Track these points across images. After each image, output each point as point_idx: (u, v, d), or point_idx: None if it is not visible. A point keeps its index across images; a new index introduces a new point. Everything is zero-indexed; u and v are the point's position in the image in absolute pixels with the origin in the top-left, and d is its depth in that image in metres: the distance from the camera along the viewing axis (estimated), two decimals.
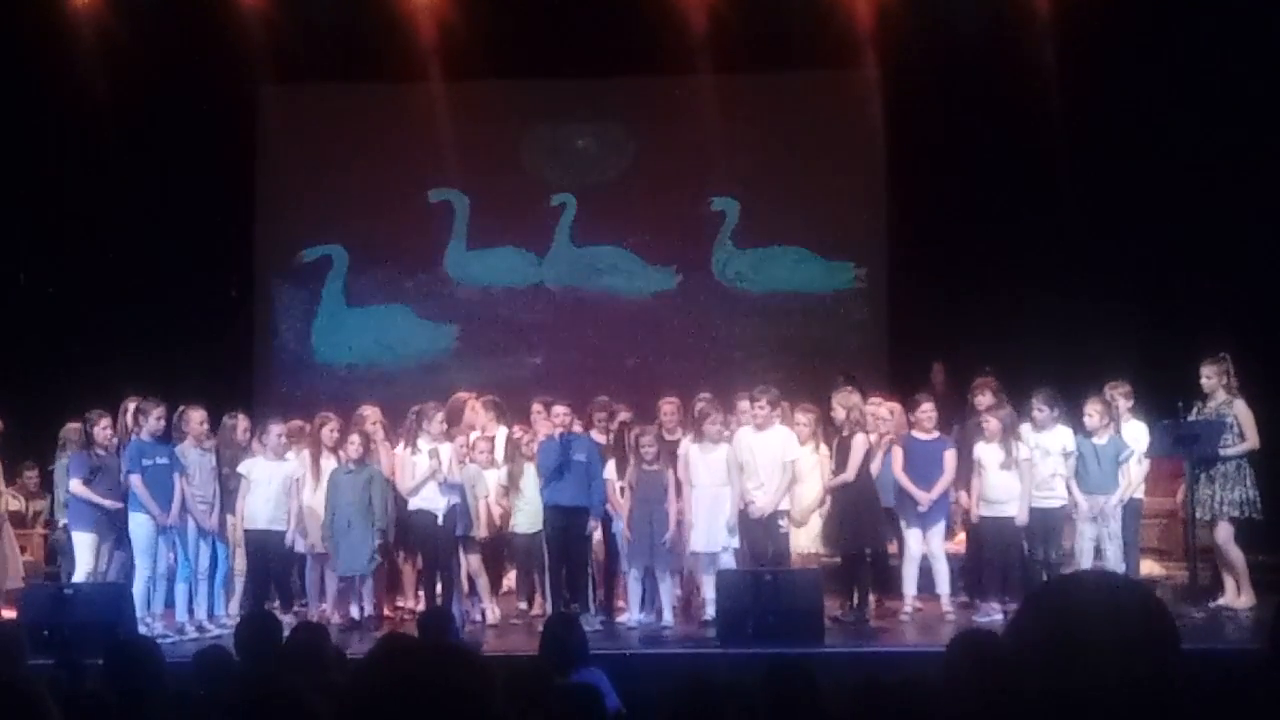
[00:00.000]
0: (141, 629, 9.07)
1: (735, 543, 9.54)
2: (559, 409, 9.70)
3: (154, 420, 9.54)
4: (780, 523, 9.51)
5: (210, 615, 9.71)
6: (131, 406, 9.78)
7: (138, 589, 9.38)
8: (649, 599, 9.69)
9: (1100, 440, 9.65)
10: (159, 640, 8.02)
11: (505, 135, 14.12)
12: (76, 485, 9.50)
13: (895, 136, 13.43)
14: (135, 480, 9.37)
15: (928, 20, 12.60)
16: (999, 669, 1.70)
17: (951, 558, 9.93)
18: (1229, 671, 3.52)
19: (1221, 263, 11.65)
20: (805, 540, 9.81)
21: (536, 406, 10.27)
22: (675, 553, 9.62)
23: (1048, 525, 9.56)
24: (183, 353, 12.15)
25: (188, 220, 13.07)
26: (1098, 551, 9.54)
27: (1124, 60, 12.05)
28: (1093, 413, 9.65)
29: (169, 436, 9.70)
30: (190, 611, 9.66)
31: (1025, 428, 9.75)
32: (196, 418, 9.78)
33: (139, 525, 9.41)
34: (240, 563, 10.03)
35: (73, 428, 9.97)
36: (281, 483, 9.83)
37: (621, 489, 9.64)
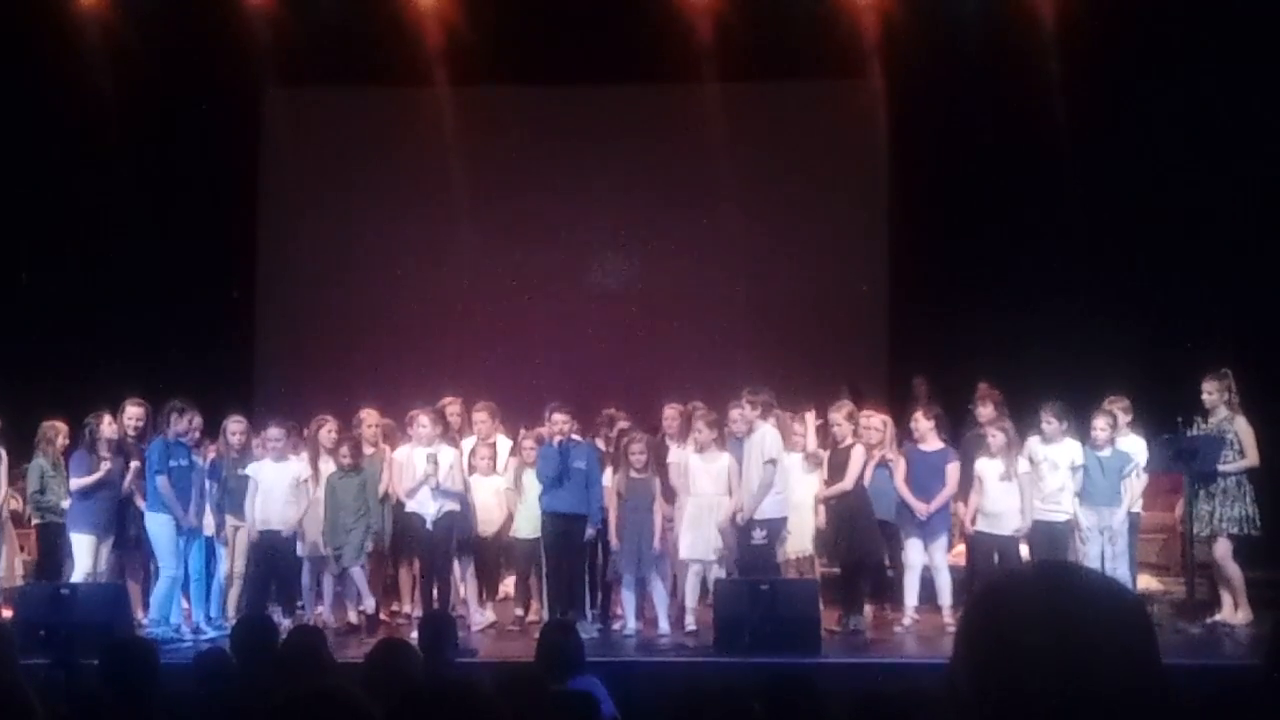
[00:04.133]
0: (157, 631, 9.07)
1: (722, 549, 9.55)
2: (559, 416, 9.70)
3: (186, 422, 9.55)
4: (754, 533, 9.43)
5: (207, 618, 9.71)
6: (131, 410, 9.80)
7: (161, 589, 9.37)
8: (642, 607, 9.70)
9: (1104, 453, 9.63)
10: (161, 642, 8.04)
11: (509, 140, 14.13)
12: (78, 484, 9.50)
13: (898, 146, 13.44)
14: (162, 481, 9.34)
15: (932, 31, 12.61)
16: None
17: (953, 570, 9.91)
18: (1226, 687, 3.52)
19: (1224, 277, 11.65)
20: (795, 545, 9.78)
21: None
22: (668, 560, 9.64)
23: (1053, 539, 9.51)
24: (183, 354, 12.15)
25: (190, 221, 13.09)
26: (1104, 569, 9.34)
27: (1128, 73, 12.07)
28: (1102, 426, 9.62)
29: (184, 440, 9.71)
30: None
31: (1034, 440, 9.73)
32: (193, 422, 9.79)
33: (160, 526, 9.39)
34: (240, 566, 10.00)
35: (48, 425, 9.95)
36: (290, 484, 9.83)
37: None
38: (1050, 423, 9.65)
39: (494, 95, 14.11)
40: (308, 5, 13.02)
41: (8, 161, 12.78)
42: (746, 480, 9.48)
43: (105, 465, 9.52)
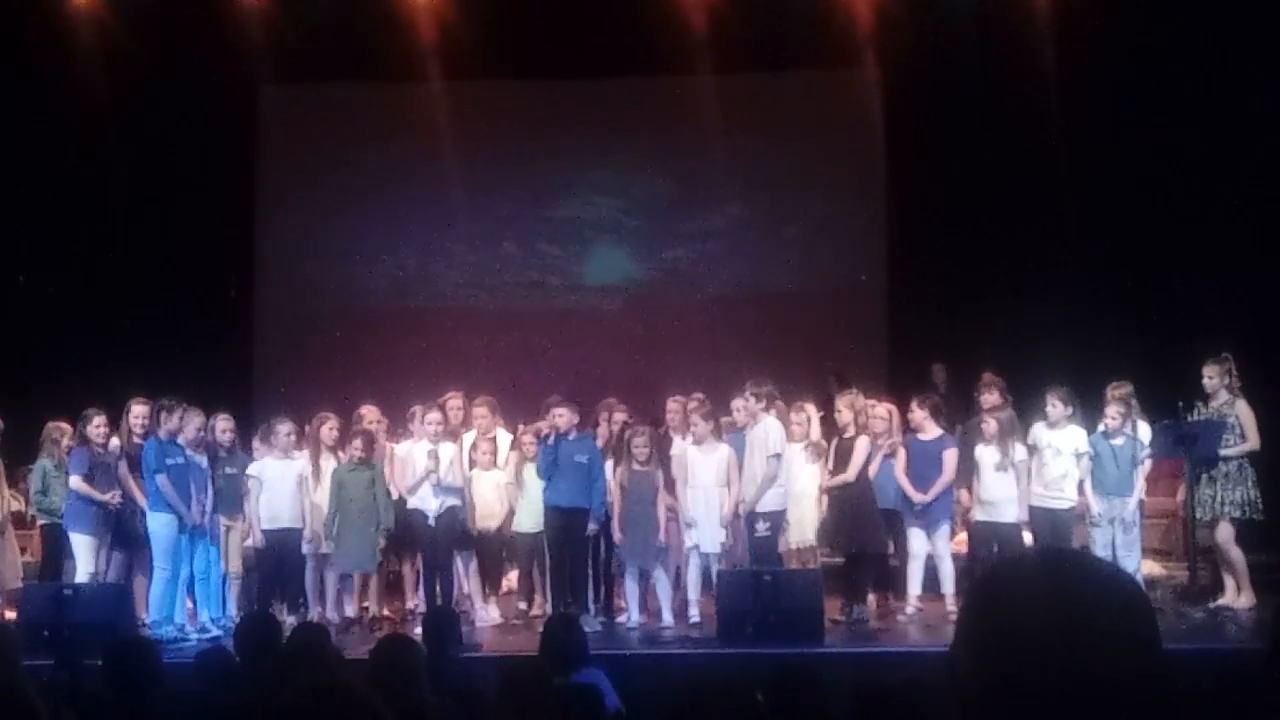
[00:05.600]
0: (160, 631, 9.05)
1: (727, 541, 9.56)
2: (560, 410, 9.69)
3: (175, 420, 9.53)
4: (757, 525, 9.42)
5: (210, 618, 9.69)
6: (137, 409, 9.79)
7: (156, 589, 9.33)
8: (645, 599, 9.71)
9: (1117, 441, 9.59)
10: (165, 642, 8.05)
11: (505, 135, 14.12)
12: (77, 482, 9.48)
13: (895, 136, 13.43)
14: (162, 480, 9.30)
15: (927, 20, 12.59)
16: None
17: (956, 558, 9.91)
18: (1229, 672, 3.52)
19: (1224, 262, 11.63)
20: (797, 535, 9.78)
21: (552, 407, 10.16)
22: (671, 552, 9.64)
23: (1056, 526, 9.50)
24: (182, 353, 12.14)
25: (187, 220, 13.08)
26: (1114, 557, 9.15)
27: (1124, 60, 12.05)
28: (1115, 414, 9.59)
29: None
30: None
31: (1039, 426, 9.71)
32: (195, 423, 9.76)
33: (161, 525, 9.35)
34: (235, 565, 9.99)
35: (53, 426, 9.95)
36: (295, 481, 9.83)
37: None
38: (1055, 406, 9.63)
39: (490, 90, 14.10)
40: (302, 2, 13.00)
41: (4, 162, 12.76)
42: (749, 473, 9.48)
43: (116, 496, 9.51)
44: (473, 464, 10.14)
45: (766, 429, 9.53)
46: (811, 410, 10.05)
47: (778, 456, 9.45)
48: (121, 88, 12.89)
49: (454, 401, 10.43)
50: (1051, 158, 12.18)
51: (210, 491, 9.74)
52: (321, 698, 2.21)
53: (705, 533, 9.46)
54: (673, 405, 10.21)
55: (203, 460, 9.78)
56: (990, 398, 9.87)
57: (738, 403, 9.77)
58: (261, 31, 12.95)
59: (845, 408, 9.74)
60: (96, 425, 9.59)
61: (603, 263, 14.39)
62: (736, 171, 13.98)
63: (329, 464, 9.96)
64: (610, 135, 14.23)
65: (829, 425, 10.05)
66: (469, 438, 10.34)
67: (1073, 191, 12.25)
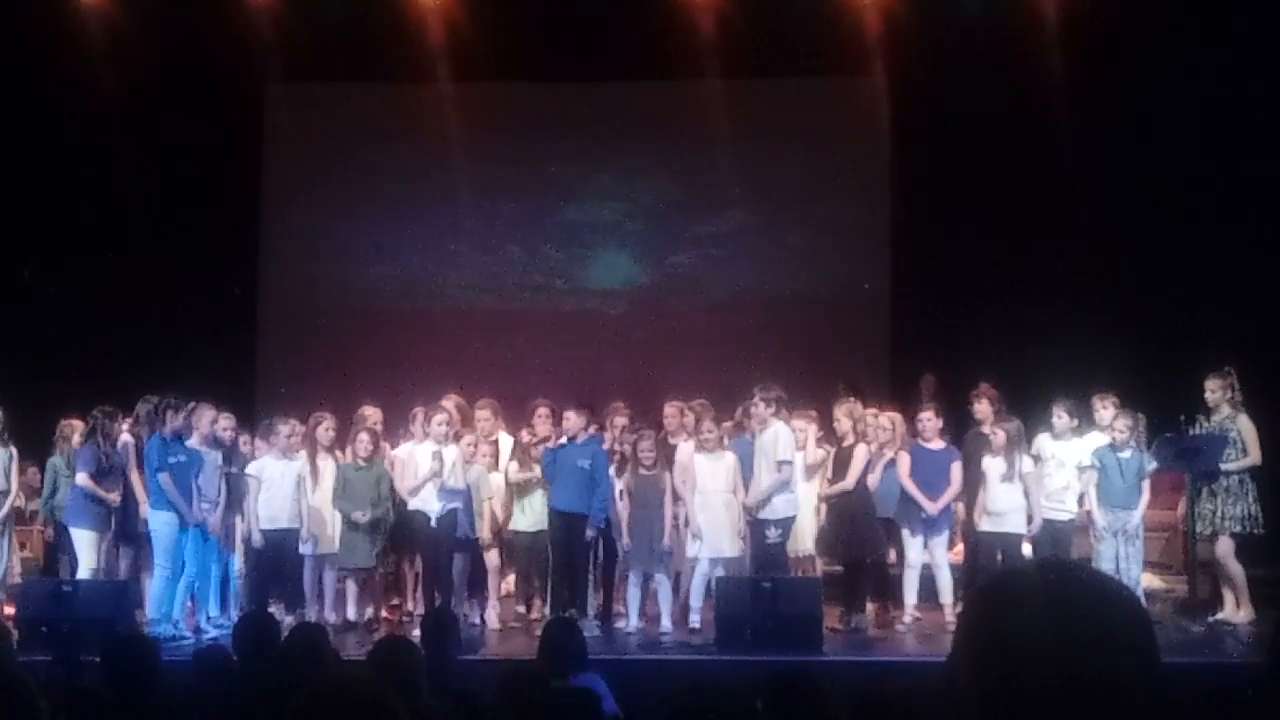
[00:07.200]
0: (159, 630, 9.03)
1: (735, 551, 9.54)
2: (568, 413, 9.68)
3: (181, 418, 9.53)
4: (768, 531, 9.40)
5: (206, 617, 9.70)
6: (141, 410, 9.80)
7: (157, 587, 9.30)
8: (644, 605, 9.70)
9: (1125, 455, 9.57)
10: (163, 641, 8.04)
11: (511, 137, 14.13)
12: (84, 479, 9.48)
13: (900, 143, 13.43)
14: (164, 478, 9.27)
15: (934, 28, 12.61)
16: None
17: (953, 568, 9.89)
18: (1228, 685, 3.51)
19: (1227, 274, 11.63)
20: (795, 544, 9.76)
21: (543, 410, 10.17)
22: (673, 557, 9.64)
23: (1056, 538, 9.49)
24: (186, 351, 12.15)
25: (193, 218, 13.09)
26: (1118, 570, 9.16)
27: (1130, 70, 12.05)
28: (1122, 427, 9.57)
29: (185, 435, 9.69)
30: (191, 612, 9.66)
31: (1043, 437, 9.71)
32: (208, 417, 9.76)
33: (163, 524, 9.31)
34: (240, 564, 9.99)
35: (65, 424, 9.95)
36: (294, 481, 9.83)
37: (621, 493, 9.65)
38: (1061, 418, 9.63)
39: (497, 92, 14.11)
40: (310, 2, 13.02)
41: (12, 159, 12.78)
42: (757, 477, 9.46)
43: (115, 497, 9.52)
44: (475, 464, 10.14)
45: (776, 434, 9.49)
46: (810, 429, 9.95)
47: (788, 463, 9.41)
48: (128, 85, 12.91)
49: (456, 402, 10.44)
50: (1057, 167, 12.18)
51: (224, 489, 9.74)
52: (338, 696, 2.21)
53: (712, 540, 9.43)
54: (669, 410, 10.21)
55: (217, 457, 9.77)
56: (981, 407, 9.85)
57: (751, 409, 9.73)
58: (269, 30, 12.97)
59: (844, 416, 9.73)
60: (120, 422, 9.61)
61: (606, 267, 14.39)
62: (741, 177, 13.98)
63: (326, 464, 9.96)
64: (616, 139, 14.23)
65: (829, 433, 10.04)
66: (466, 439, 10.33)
67: (1078, 201, 12.25)
